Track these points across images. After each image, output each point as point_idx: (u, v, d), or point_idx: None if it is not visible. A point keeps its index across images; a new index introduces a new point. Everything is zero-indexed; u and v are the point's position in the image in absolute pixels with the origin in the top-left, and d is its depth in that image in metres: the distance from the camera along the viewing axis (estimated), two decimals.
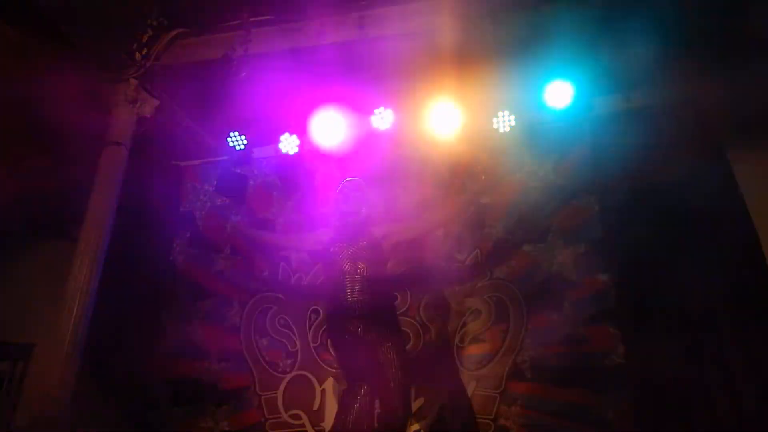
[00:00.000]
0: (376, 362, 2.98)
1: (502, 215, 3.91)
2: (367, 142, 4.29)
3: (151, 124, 4.11)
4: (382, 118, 3.99)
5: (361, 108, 4.06)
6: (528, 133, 4.06)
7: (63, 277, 3.50)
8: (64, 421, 3.24)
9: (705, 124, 3.68)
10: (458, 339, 3.66)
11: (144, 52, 3.73)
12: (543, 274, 3.70)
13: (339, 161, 4.36)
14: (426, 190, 4.13)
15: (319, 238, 3.34)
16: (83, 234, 3.56)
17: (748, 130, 3.72)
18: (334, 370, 3.75)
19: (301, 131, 4.25)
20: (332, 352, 3.64)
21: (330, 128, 4.07)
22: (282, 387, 3.84)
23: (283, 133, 4.27)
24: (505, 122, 3.96)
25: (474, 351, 3.62)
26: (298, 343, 3.93)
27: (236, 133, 4.36)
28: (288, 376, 3.86)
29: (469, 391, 3.52)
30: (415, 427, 3.49)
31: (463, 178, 4.10)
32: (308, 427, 3.69)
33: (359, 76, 3.88)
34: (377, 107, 3.99)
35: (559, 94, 3.75)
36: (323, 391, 3.75)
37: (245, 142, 4.38)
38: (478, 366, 3.58)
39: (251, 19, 3.69)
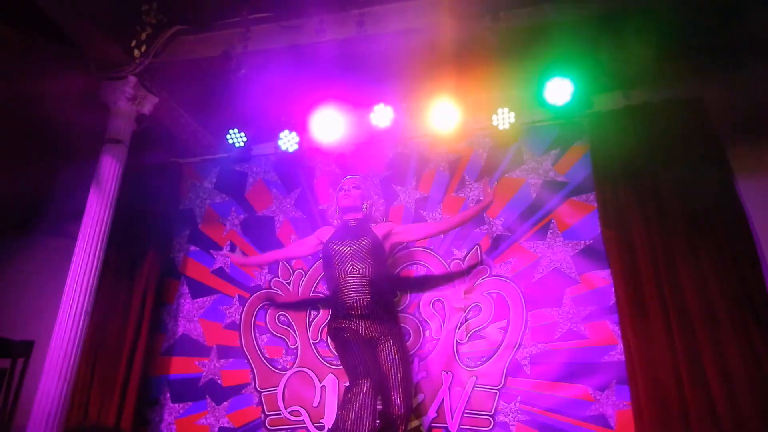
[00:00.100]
0: (377, 359, 2.99)
1: (501, 212, 3.91)
2: (366, 140, 4.30)
3: (150, 122, 4.11)
4: (382, 116, 3.98)
5: (360, 105, 4.06)
6: (527, 130, 4.07)
7: (62, 275, 3.50)
8: (63, 419, 3.25)
9: (705, 122, 3.68)
10: (458, 335, 3.67)
11: (143, 49, 3.73)
12: (542, 271, 3.71)
13: (338, 158, 4.37)
14: (426, 188, 4.14)
15: (319, 238, 3.34)
16: (82, 231, 3.57)
17: (749, 129, 3.73)
18: (334, 367, 3.75)
19: (300, 128, 4.25)
20: (333, 349, 3.65)
21: (329, 125, 4.07)
22: (282, 384, 3.85)
23: (282, 130, 4.27)
24: (504, 119, 3.96)
25: (474, 347, 3.63)
26: (297, 339, 3.94)
27: (235, 131, 4.35)
28: (288, 373, 3.87)
29: (469, 387, 3.53)
30: (416, 423, 3.50)
31: (463, 175, 4.10)
32: (308, 423, 3.69)
33: (359, 74, 3.88)
34: (376, 104, 3.98)
35: (559, 91, 3.75)
36: (323, 388, 3.76)
37: (244, 139, 4.38)
38: (477, 362, 3.59)
39: (250, 17, 3.69)
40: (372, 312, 3.05)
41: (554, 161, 3.97)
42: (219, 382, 3.96)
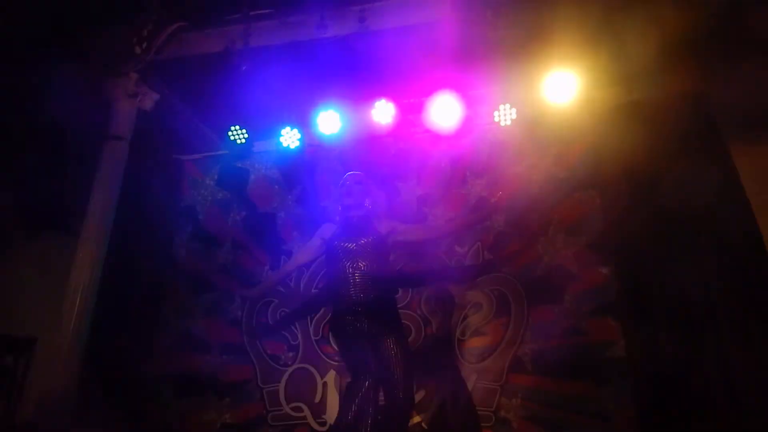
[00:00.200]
0: (379, 355, 3.00)
1: (503, 208, 3.90)
2: (368, 136, 4.29)
3: (151, 118, 4.11)
4: (383, 112, 3.97)
5: (361, 101, 4.05)
6: (529, 127, 4.05)
7: (65, 271, 3.51)
8: (66, 414, 3.26)
9: (708, 118, 3.67)
10: (459, 332, 3.67)
11: (144, 45, 3.72)
12: (544, 267, 3.70)
13: (340, 155, 4.37)
14: (427, 184, 4.14)
15: (321, 237, 3.33)
16: (84, 228, 3.57)
17: (752, 126, 3.71)
18: (335, 363, 3.76)
19: (302, 125, 4.24)
20: (334, 346, 3.65)
21: (331, 122, 4.06)
22: (284, 380, 3.86)
23: (284, 126, 4.27)
24: (506, 115, 3.95)
25: (475, 344, 3.64)
26: (299, 336, 3.94)
27: (237, 127, 4.35)
28: (289, 369, 3.88)
29: (470, 383, 3.54)
30: (417, 419, 3.50)
31: (465, 171, 4.09)
32: (310, 419, 3.70)
33: (360, 70, 3.87)
34: (378, 101, 3.98)
35: (561, 87, 3.73)
36: (325, 384, 3.76)
37: (246, 135, 4.37)
38: (479, 359, 3.59)
39: (251, 13, 3.68)
40: (374, 308, 3.05)
41: (556, 157, 3.96)
42: (221, 377, 3.97)
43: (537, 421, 3.38)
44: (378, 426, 2.89)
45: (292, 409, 3.77)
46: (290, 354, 3.92)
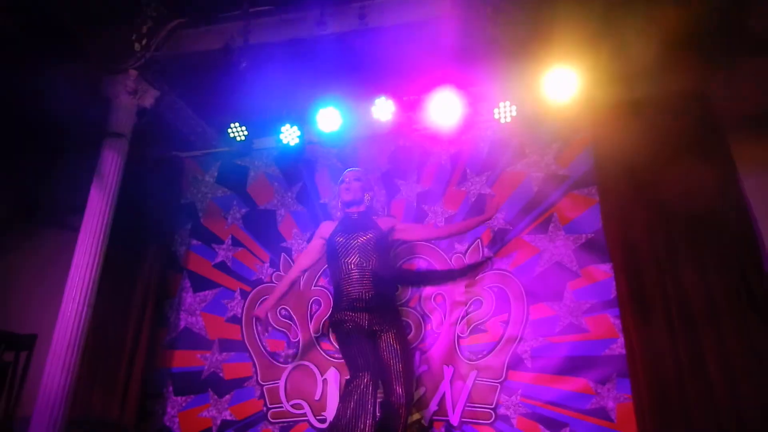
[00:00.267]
0: (378, 351, 3.01)
1: (502, 205, 3.90)
2: (367, 133, 4.29)
3: (151, 115, 4.10)
4: (383, 109, 3.97)
5: (361, 98, 4.05)
6: (529, 124, 4.05)
7: (65, 268, 3.52)
8: (66, 411, 3.27)
9: (709, 117, 3.66)
10: (459, 329, 3.67)
11: (144, 42, 3.71)
12: (544, 264, 3.71)
13: (340, 152, 4.36)
14: (427, 181, 4.14)
15: (322, 236, 3.33)
16: (84, 225, 3.57)
17: (753, 125, 3.70)
18: (335, 361, 3.77)
19: (302, 122, 4.24)
20: (334, 343, 3.66)
21: (331, 119, 4.06)
22: (284, 377, 3.86)
23: (283, 124, 4.26)
24: (506, 112, 3.95)
25: (475, 341, 3.64)
26: (299, 333, 3.94)
27: (237, 124, 4.34)
28: (290, 366, 3.88)
29: (470, 381, 3.54)
30: (417, 416, 3.51)
31: (464, 169, 4.09)
32: (310, 416, 3.71)
33: (360, 67, 3.86)
34: (378, 97, 3.97)
35: (561, 84, 3.73)
36: (325, 381, 3.77)
37: (246, 133, 4.37)
38: (478, 356, 3.60)
39: (251, 10, 3.67)
40: (375, 305, 3.06)
41: (556, 155, 3.96)
42: (221, 375, 3.98)
43: (536, 418, 3.39)
44: (377, 423, 2.90)
45: (293, 406, 3.78)
46: (290, 351, 3.92)
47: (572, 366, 3.43)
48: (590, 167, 3.83)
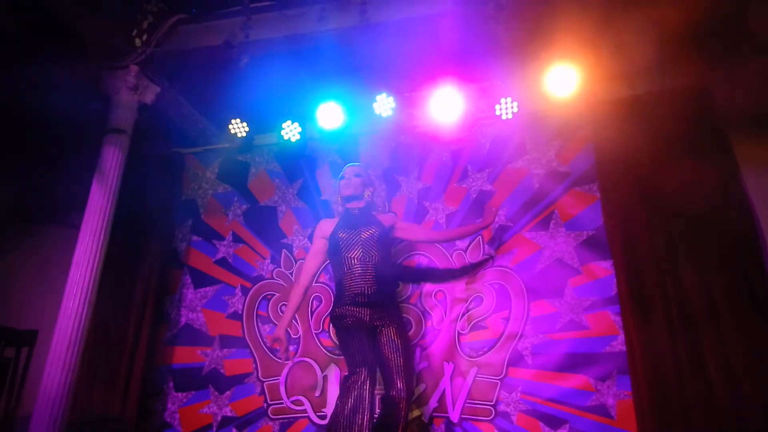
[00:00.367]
0: (378, 346, 3.01)
1: (504, 202, 3.90)
2: (369, 129, 4.28)
3: (151, 112, 4.10)
4: (384, 105, 3.96)
5: (363, 95, 4.04)
6: (530, 120, 4.04)
7: (65, 265, 3.52)
8: (67, 408, 3.28)
9: (710, 113, 3.64)
10: (459, 326, 3.67)
11: (144, 38, 3.71)
12: (545, 261, 3.70)
13: (341, 148, 4.36)
14: (428, 177, 4.13)
15: (323, 235, 3.31)
16: (85, 221, 3.57)
17: (755, 122, 3.68)
18: (336, 357, 3.77)
19: (302, 118, 4.23)
20: (335, 339, 3.66)
21: (332, 115, 4.05)
22: (284, 373, 3.87)
23: (284, 120, 4.25)
24: (507, 109, 3.94)
25: (475, 338, 3.64)
26: (300, 330, 3.95)
27: (237, 120, 4.33)
28: (290, 363, 3.88)
29: (470, 377, 3.55)
30: (417, 412, 3.52)
31: (466, 165, 4.09)
32: (310, 412, 3.72)
33: (361, 63, 3.85)
34: (379, 94, 3.96)
35: (563, 81, 3.72)
36: (325, 378, 3.78)
37: (246, 129, 4.36)
38: (479, 353, 3.60)
39: (252, 5, 3.66)
40: (377, 300, 3.07)
41: (557, 151, 3.95)
42: (222, 371, 3.99)
43: (537, 415, 3.39)
44: (377, 417, 2.91)
45: (293, 402, 3.78)
46: (291, 348, 3.93)
47: (573, 363, 3.43)
48: (591, 164, 3.82)
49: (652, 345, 3.22)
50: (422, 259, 3.92)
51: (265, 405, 3.83)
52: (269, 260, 4.21)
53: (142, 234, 4.33)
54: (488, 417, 3.45)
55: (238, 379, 3.94)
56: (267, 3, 3.69)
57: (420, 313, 3.78)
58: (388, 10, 3.59)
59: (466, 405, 3.50)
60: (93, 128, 3.90)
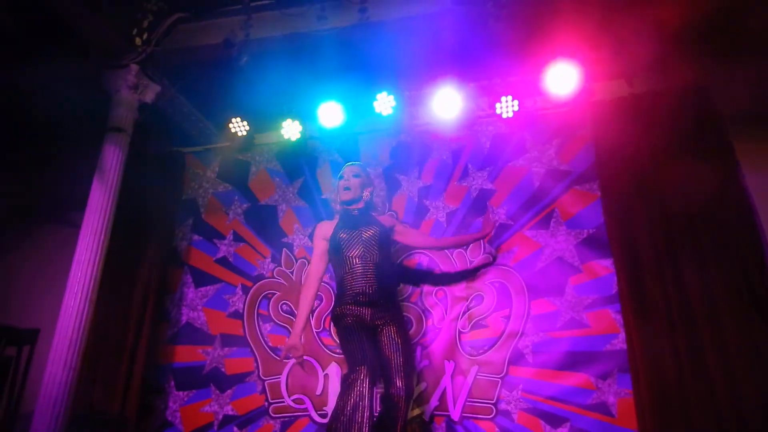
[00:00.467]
0: (379, 345, 3.02)
1: (504, 201, 3.91)
2: (369, 128, 4.28)
3: (152, 111, 4.10)
4: (385, 104, 3.96)
5: (363, 93, 4.04)
6: (531, 119, 4.04)
7: (66, 264, 3.52)
8: (69, 406, 3.28)
9: (711, 111, 3.64)
10: (460, 324, 3.68)
11: (144, 37, 3.71)
12: (545, 260, 3.70)
13: (341, 147, 4.36)
14: (429, 176, 4.13)
15: (323, 237, 3.30)
16: (85, 220, 3.58)
17: (756, 120, 3.68)
18: (337, 356, 3.77)
19: (303, 117, 4.23)
20: (336, 338, 3.67)
21: (332, 114, 4.05)
22: (285, 372, 3.87)
23: (285, 118, 4.25)
24: (507, 107, 3.93)
25: (476, 336, 3.64)
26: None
27: (238, 119, 4.33)
28: (291, 362, 3.88)
29: (471, 376, 3.55)
30: (418, 411, 3.52)
31: (466, 164, 4.09)
32: (312, 411, 3.72)
33: (361, 62, 3.85)
34: (379, 92, 3.96)
35: (563, 79, 3.71)
36: (326, 376, 3.78)
37: (247, 128, 4.36)
38: (480, 351, 3.60)
39: (252, 4, 3.66)
40: (378, 299, 3.07)
41: (557, 150, 3.95)
42: (223, 370, 3.99)
43: (537, 413, 3.39)
44: (377, 416, 2.92)
45: (294, 401, 3.79)
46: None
47: (573, 361, 3.44)
48: (592, 162, 3.82)
49: (652, 343, 3.22)
50: (423, 258, 3.92)
51: (266, 404, 3.83)
52: (270, 259, 4.22)
53: (142, 233, 4.33)
54: (489, 415, 3.45)
55: (239, 378, 3.94)
56: (267, 1, 3.69)
57: (421, 312, 3.78)
58: (388, 8, 3.59)
59: (467, 403, 3.50)
60: (93, 127, 3.90)
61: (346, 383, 2.77)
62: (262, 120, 4.35)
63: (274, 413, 3.79)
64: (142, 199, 4.38)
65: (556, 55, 3.69)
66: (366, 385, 2.70)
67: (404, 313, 3.66)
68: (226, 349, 4.04)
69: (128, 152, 3.83)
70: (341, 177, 3.37)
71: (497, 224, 3.84)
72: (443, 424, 3.50)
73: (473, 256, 3.83)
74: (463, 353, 3.62)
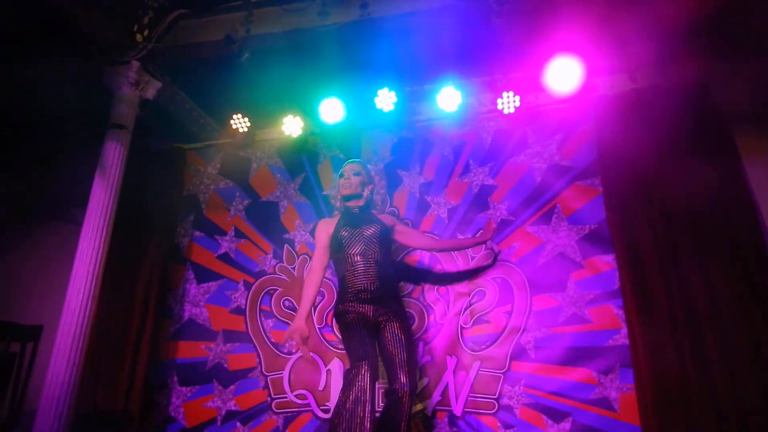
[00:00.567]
0: (384, 342, 3.03)
1: (505, 196, 3.91)
2: (370, 124, 4.28)
3: (153, 107, 4.09)
4: (386, 100, 3.95)
5: (364, 89, 4.03)
6: (533, 114, 4.04)
7: (69, 260, 3.53)
8: (72, 402, 3.29)
9: (714, 107, 3.63)
10: (462, 320, 3.69)
11: (145, 33, 3.70)
12: (547, 255, 3.71)
13: (342, 144, 4.35)
14: (430, 172, 4.13)
15: (326, 233, 3.30)
16: (87, 217, 3.58)
17: (759, 117, 3.66)
18: (339, 351, 3.79)
19: (304, 113, 4.22)
20: (338, 333, 3.68)
21: (333, 110, 4.04)
22: (288, 368, 3.88)
23: (286, 114, 4.25)
24: (509, 103, 3.92)
25: (478, 332, 3.65)
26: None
27: (239, 115, 4.32)
28: (293, 357, 3.90)
29: (473, 371, 3.56)
30: (420, 406, 3.53)
31: (467, 159, 4.09)
32: (314, 406, 3.74)
33: (362, 57, 3.84)
34: (380, 88, 3.95)
35: (564, 74, 3.70)
36: (329, 372, 3.79)
37: (248, 124, 4.35)
38: (482, 347, 3.61)
39: (252, 0, 3.65)
40: (380, 295, 3.08)
41: (559, 145, 3.95)
42: (225, 366, 4.00)
43: (539, 408, 3.41)
44: (381, 411, 2.93)
45: (297, 396, 3.80)
46: (294, 342, 3.93)
47: (575, 356, 3.45)
48: (593, 158, 3.82)
49: (654, 338, 3.23)
50: (424, 255, 3.92)
51: (268, 399, 3.85)
52: (271, 255, 4.22)
53: (144, 229, 4.33)
54: (491, 410, 3.47)
55: (242, 374, 3.96)
56: None
57: (423, 308, 3.79)
58: (389, 4, 3.58)
59: (469, 398, 3.51)
60: (94, 124, 3.90)
61: (348, 378, 2.79)
62: (263, 116, 4.35)
63: (277, 409, 3.81)
64: (143, 195, 4.39)
65: (557, 50, 3.68)
66: (367, 379, 2.72)
67: (407, 309, 3.67)
68: (229, 345, 4.06)
69: (129, 149, 3.83)
70: (341, 175, 3.37)
71: (499, 220, 3.85)
72: (445, 419, 3.51)
73: (475, 253, 3.84)
74: (465, 349, 3.63)
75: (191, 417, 3.92)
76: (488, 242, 3.75)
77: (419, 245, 3.65)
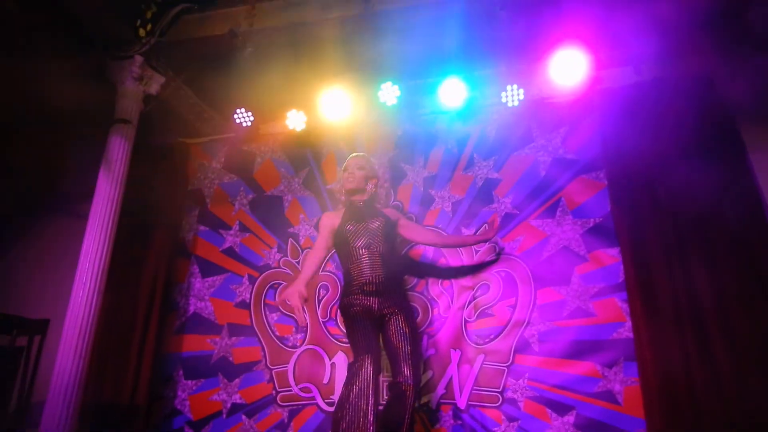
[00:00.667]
0: (388, 335, 3.04)
1: (510, 190, 3.90)
2: (374, 118, 4.27)
3: (157, 102, 4.10)
4: (389, 93, 3.94)
5: (367, 83, 4.02)
6: (537, 107, 4.02)
7: (75, 254, 3.55)
8: (79, 395, 3.32)
9: (719, 99, 3.60)
10: (466, 313, 3.69)
11: (149, 28, 3.70)
12: (551, 249, 3.70)
13: (346, 137, 4.35)
14: (434, 166, 4.12)
15: (331, 226, 3.29)
16: (93, 211, 3.60)
17: (765, 109, 3.63)
18: (343, 345, 3.80)
19: (308, 107, 4.22)
20: (341, 325, 3.69)
21: (337, 104, 4.03)
22: (292, 361, 3.90)
23: (290, 109, 4.24)
24: (513, 96, 3.91)
25: (482, 325, 3.66)
26: (307, 318, 3.97)
27: (243, 110, 4.32)
28: (298, 351, 3.92)
29: (477, 364, 3.57)
30: (424, 399, 3.55)
31: (471, 153, 4.08)
32: (319, 399, 3.76)
33: (365, 51, 3.83)
34: (384, 82, 3.94)
35: (569, 67, 3.67)
36: (333, 365, 3.81)
37: (252, 118, 4.35)
38: (486, 340, 3.62)
39: None
40: (385, 289, 3.09)
41: (563, 138, 3.93)
42: (231, 359, 4.03)
43: (543, 401, 3.41)
44: (385, 404, 2.94)
45: (301, 389, 3.82)
46: (298, 336, 3.96)
47: (579, 350, 3.45)
48: (598, 151, 3.80)
49: (659, 332, 3.22)
50: (428, 248, 3.92)
51: (273, 392, 3.87)
52: (276, 249, 4.24)
53: (149, 224, 4.35)
54: (495, 403, 3.48)
55: (247, 367, 3.98)
56: None
57: (427, 301, 3.80)
58: None
59: (473, 392, 3.52)
60: (99, 119, 3.91)
61: (352, 371, 2.81)
62: (267, 111, 4.35)
63: (282, 402, 3.83)
64: (148, 190, 4.40)
65: (562, 43, 3.65)
66: (370, 372, 2.74)
67: (411, 303, 3.68)
68: (234, 338, 4.08)
69: (134, 143, 3.84)
70: (345, 169, 3.37)
71: (503, 213, 3.84)
72: (450, 412, 3.52)
73: (479, 246, 3.83)
74: (470, 342, 3.64)
75: (197, 410, 3.95)
76: (495, 240, 3.76)
77: (422, 240, 3.64)
